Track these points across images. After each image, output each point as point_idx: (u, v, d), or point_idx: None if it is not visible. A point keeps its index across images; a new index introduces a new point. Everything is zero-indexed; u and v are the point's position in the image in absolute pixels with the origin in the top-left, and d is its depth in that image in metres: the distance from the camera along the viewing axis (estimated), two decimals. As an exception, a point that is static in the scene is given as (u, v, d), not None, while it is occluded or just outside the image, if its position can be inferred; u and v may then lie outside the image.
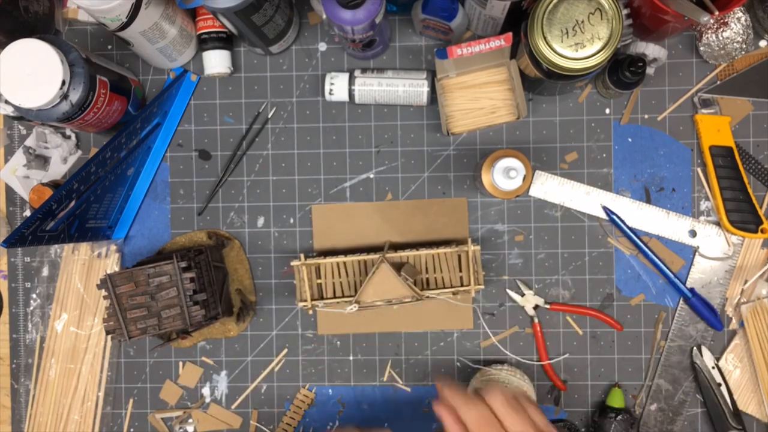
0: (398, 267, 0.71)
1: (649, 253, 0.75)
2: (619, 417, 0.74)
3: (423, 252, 0.73)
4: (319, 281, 0.74)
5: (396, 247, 0.76)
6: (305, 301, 0.73)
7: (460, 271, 0.74)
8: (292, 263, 0.73)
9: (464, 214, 0.77)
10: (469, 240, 0.73)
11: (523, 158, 0.68)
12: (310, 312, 0.74)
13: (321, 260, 0.73)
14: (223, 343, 0.79)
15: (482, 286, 0.73)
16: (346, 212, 0.78)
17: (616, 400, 0.75)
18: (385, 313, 0.77)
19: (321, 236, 0.78)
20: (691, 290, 0.75)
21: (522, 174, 0.68)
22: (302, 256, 0.73)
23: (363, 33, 0.67)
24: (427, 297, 0.72)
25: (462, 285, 0.73)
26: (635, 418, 0.76)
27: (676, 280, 0.75)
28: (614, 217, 0.75)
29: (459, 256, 0.74)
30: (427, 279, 0.74)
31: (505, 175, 0.68)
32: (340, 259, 0.73)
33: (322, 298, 0.74)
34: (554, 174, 0.76)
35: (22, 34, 0.65)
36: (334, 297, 0.74)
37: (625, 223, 0.75)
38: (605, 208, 0.76)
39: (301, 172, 0.78)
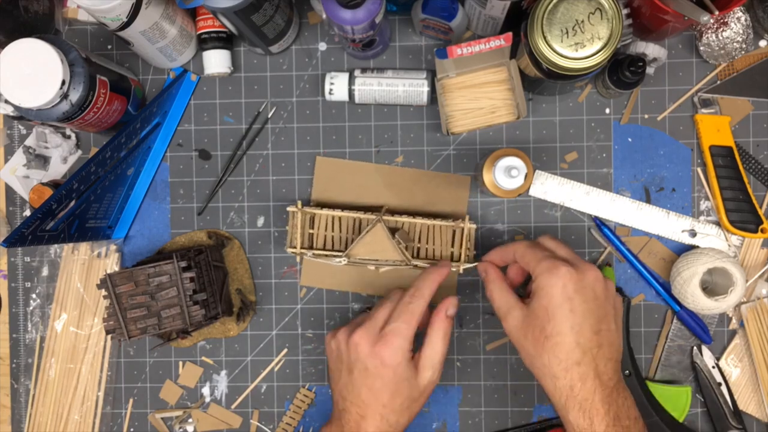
0: (392, 231, 0.71)
1: (639, 266, 0.75)
2: None
3: (419, 221, 0.73)
4: (311, 231, 0.75)
5: (393, 212, 0.76)
6: (294, 247, 0.73)
7: (453, 246, 0.74)
8: (288, 208, 0.73)
9: (465, 191, 0.77)
10: (467, 217, 0.73)
11: (525, 157, 0.68)
12: (298, 259, 0.74)
13: (317, 210, 0.74)
14: (223, 342, 0.79)
15: (472, 264, 0.73)
16: (350, 169, 0.78)
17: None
18: (370, 275, 0.77)
19: (321, 188, 0.78)
20: (680, 304, 0.75)
21: (523, 173, 0.68)
22: (299, 203, 0.73)
23: (363, 33, 0.67)
24: (416, 265, 0.72)
25: (452, 260, 0.73)
26: (626, 296, 0.74)
27: (665, 294, 0.75)
28: (606, 230, 0.75)
29: (454, 232, 0.74)
30: (419, 248, 0.74)
31: (506, 174, 0.68)
32: (337, 213, 0.74)
33: (311, 248, 0.74)
34: (554, 174, 0.76)
35: (22, 34, 0.65)
36: (324, 249, 0.74)
37: (616, 236, 0.75)
38: (596, 219, 0.76)
39: (301, 172, 0.78)
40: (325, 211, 0.74)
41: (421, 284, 0.66)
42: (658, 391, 0.74)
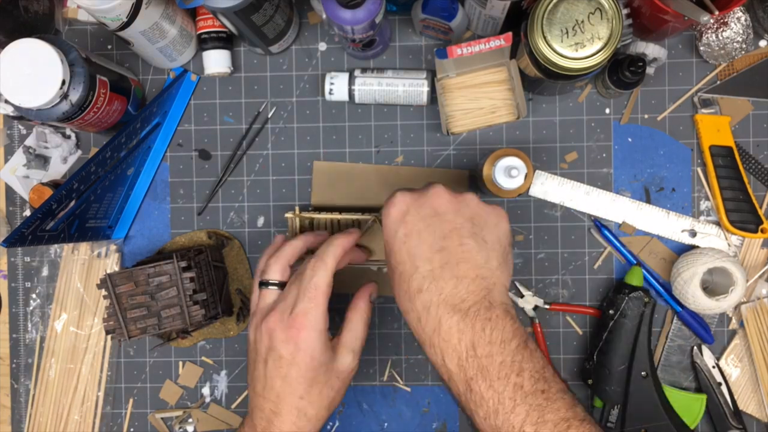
0: None
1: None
2: (632, 294, 0.72)
3: None
4: None
5: None
6: None
7: None
8: (286, 215, 0.72)
9: (464, 187, 0.77)
10: None
11: (524, 157, 0.68)
12: None
13: (315, 215, 0.73)
14: (223, 342, 0.79)
15: None
16: (348, 171, 0.78)
17: (634, 278, 0.73)
18: (372, 275, 0.77)
19: (319, 192, 0.78)
20: (681, 304, 0.75)
21: (523, 173, 0.68)
22: (297, 208, 0.72)
23: (363, 33, 0.67)
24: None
25: None
26: (652, 298, 0.74)
27: (666, 294, 0.75)
28: (606, 232, 0.75)
29: None
30: None
31: (506, 174, 0.68)
32: (335, 216, 0.73)
33: (312, 252, 0.74)
34: (554, 174, 0.76)
35: (22, 34, 0.65)
36: None
37: (616, 238, 0.75)
38: (596, 222, 0.76)
39: (301, 172, 0.78)
40: (322, 215, 0.73)
41: (323, 252, 0.59)
42: (672, 395, 0.74)
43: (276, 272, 0.61)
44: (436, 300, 0.50)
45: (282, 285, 0.61)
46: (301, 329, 0.56)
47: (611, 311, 0.73)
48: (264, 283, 0.61)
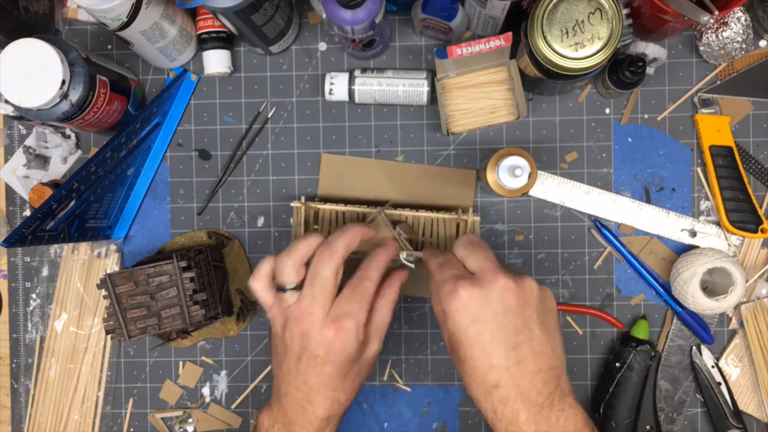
0: (395, 224, 0.71)
1: (639, 267, 0.75)
2: (639, 347, 0.73)
3: (422, 214, 0.73)
4: (316, 227, 0.74)
5: (398, 207, 0.75)
6: None
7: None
8: (291, 204, 0.73)
9: (471, 186, 0.77)
10: (470, 210, 0.73)
11: (528, 156, 0.68)
12: None
13: (320, 205, 0.73)
14: (223, 342, 0.79)
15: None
16: (355, 165, 0.78)
17: (640, 332, 0.74)
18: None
19: (326, 184, 0.78)
20: (680, 304, 0.75)
21: (527, 172, 0.68)
22: (302, 198, 0.73)
23: (363, 33, 0.67)
24: (418, 258, 0.71)
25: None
26: (657, 351, 0.75)
27: (666, 296, 0.75)
28: (606, 232, 0.75)
29: (458, 225, 0.74)
30: (422, 242, 0.74)
31: (510, 173, 0.68)
32: (340, 207, 0.73)
33: None
34: (554, 174, 0.76)
35: (22, 34, 0.65)
36: None
37: (615, 238, 0.75)
38: (596, 222, 0.76)
39: (301, 172, 0.78)
40: (328, 206, 0.73)
41: (369, 265, 0.63)
42: None
43: (293, 274, 0.61)
44: (513, 395, 0.54)
45: (300, 286, 0.61)
46: (342, 333, 0.58)
47: (618, 364, 0.74)
48: (282, 288, 0.62)
